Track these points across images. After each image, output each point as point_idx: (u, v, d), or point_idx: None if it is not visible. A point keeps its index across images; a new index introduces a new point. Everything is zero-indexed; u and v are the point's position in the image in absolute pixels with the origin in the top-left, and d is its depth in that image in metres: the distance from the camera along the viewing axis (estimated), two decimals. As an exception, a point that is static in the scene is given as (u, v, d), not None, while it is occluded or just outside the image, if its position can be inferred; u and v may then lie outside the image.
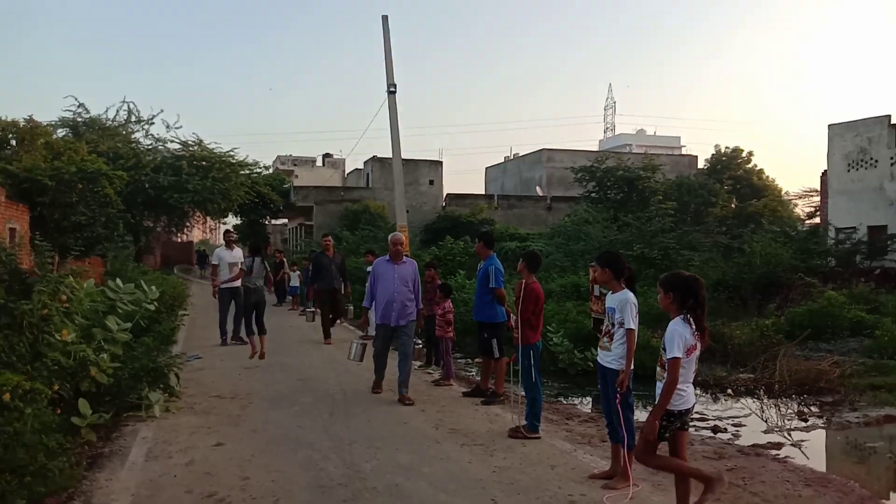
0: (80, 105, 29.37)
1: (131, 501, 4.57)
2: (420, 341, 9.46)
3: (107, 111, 30.47)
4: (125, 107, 30.73)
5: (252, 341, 10.29)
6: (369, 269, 13.10)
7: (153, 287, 7.80)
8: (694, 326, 3.90)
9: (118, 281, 7.24)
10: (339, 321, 13.22)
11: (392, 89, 17.88)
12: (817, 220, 26.30)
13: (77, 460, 5.04)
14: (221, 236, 13.36)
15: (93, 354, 5.64)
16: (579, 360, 10.26)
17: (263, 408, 7.28)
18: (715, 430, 7.23)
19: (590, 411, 8.20)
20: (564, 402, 8.73)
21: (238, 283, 11.24)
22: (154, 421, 6.59)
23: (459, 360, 11.43)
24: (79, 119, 29.25)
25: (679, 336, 3.85)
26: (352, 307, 15.57)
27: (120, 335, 6.34)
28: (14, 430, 3.40)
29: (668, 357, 3.85)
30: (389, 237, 8.07)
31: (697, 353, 3.96)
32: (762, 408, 8.45)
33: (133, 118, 30.77)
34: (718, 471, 3.91)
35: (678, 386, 3.88)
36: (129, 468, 5.27)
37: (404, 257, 8.04)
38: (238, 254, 11.99)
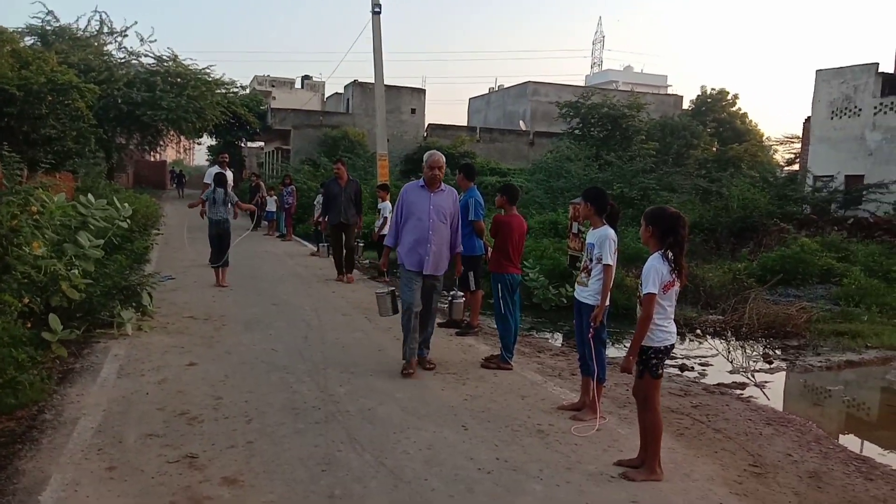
0: (49, 12, 28.15)
1: (103, 417, 4.58)
2: (452, 293, 7.63)
3: (77, 20, 29.65)
4: (97, 17, 29.92)
5: (216, 272, 10.10)
6: None
7: (126, 204, 7.63)
8: (672, 264, 3.89)
9: (90, 196, 7.07)
10: (354, 266, 11.60)
11: (377, 9, 17.28)
12: (796, 167, 26.44)
13: (47, 375, 5.02)
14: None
15: (64, 270, 5.54)
16: (553, 296, 10.36)
17: (237, 330, 7.27)
18: (682, 368, 7.39)
19: (560, 345, 8.33)
20: (536, 335, 8.84)
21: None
22: (126, 339, 6.57)
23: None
24: (47, 27, 28.05)
25: (655, 272, 3.85)
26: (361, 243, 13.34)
27: (92, 251, 6.23)
28: (-19, 343, 3.35)
29: (644, 292, 3.86)
30: (426, 157, 6.17)
31: (676, 289, 3.96)
32: (729, 349, 8.63)
33: (105, 29, 29.56)
34: (662, 473, 4.01)
35: (661, 323, 3.90)
36: (100, 384, 5.27)
37: (443, 184, 6.21)
38: (230, 176, 11.87)
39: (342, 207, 10.99)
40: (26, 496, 3.45)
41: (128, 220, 7.58)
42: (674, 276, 3.89)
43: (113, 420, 4.53)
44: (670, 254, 3.88)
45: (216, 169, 12.11)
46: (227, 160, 12.65)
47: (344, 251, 11.27)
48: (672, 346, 4.02)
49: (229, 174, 11.98)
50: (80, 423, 4.45)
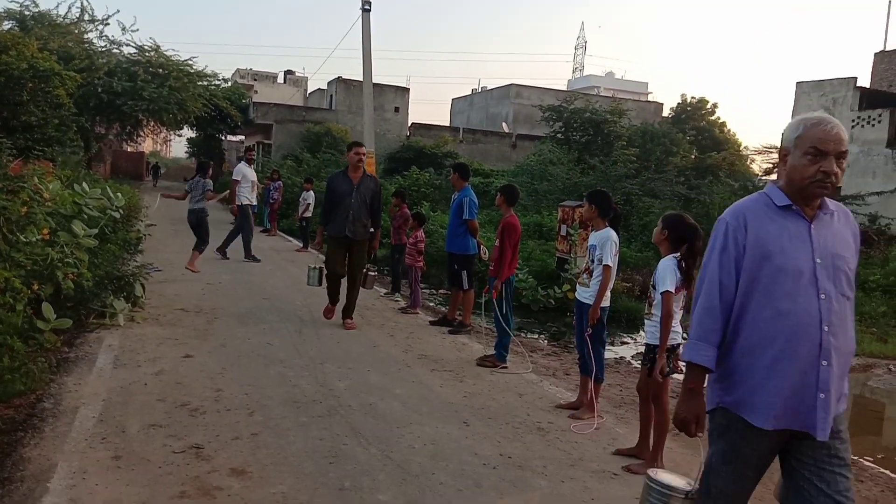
0: (29, -4, 27.56)
1: (103, 406, 4.54)
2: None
3: (58, 7, 29.30)
4: (78, 3, 29.01)
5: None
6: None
7: (119, 194, 7.56)
8: (683, 273, 3.99)
9: (84, 185, 6.98)
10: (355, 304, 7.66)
11: (367, 6, 17.30)
12: (774, 176, 26.89)
13: (50, 364, 4.96)
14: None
15: (60, 257, 5.47)
16: (542, 297, 10.45)
17: (230, 324, 7.24)
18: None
19: (550, 345, 8.41)
20: (526, 336, 8.92)
21: (254, 199, 12.11)
22: (118, 330, 6.51)
23: (423, 291, 11.52)
24: (26, 12, 27.48)
25: (672, 271, 3.96)
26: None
27: (86, 241, 6.16)
28: (-8, 328, 3.31)
29: (661, 290, 3.96)
30: (809, 125, 2.61)
31: (684, 294, 4.06)
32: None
33: (86, 17, 29.02)
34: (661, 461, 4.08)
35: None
36: (97, 374, 5.22)
37: (829, 202, 2.50)
38: (252, 173, 12.42)
39: (351, 214, 7.23)
40: (34, 483, 3.42)
41: (121, 210, 7.50)
42: (683, 283, 4.00)
43: (114, 410, 4.49)
44: (683, 263, 3.98)
45: (245, 165, 12.37)
46: (254, 157, 12.84)
47: (347, 280, 7.46)
48: (678, 345, 4.11)
49: (251, 171, 12.20)
50: (80, 412, 4.41)
